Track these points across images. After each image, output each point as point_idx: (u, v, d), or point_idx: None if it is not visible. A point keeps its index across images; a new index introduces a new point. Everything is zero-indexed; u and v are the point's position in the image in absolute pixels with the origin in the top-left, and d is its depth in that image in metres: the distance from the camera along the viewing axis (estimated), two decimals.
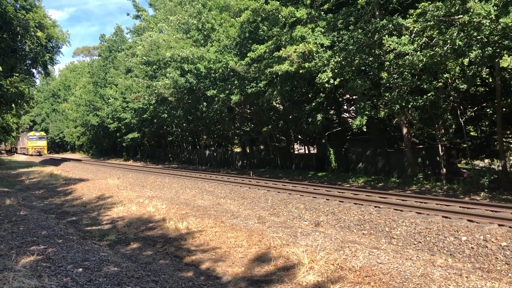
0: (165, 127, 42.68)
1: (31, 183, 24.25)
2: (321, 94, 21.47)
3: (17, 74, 31.78)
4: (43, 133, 77.84)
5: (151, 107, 36.97)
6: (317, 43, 17.00)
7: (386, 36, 14.19)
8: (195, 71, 25.78)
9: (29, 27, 28.62)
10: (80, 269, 6.72)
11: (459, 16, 12.48)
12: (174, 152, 47.58)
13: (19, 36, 28.70)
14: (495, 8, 11.37)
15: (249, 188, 16.45)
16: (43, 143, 75.08)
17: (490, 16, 11.26)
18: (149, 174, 25.20)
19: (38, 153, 71.99)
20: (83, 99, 60.26)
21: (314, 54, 16.74)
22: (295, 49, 16.95)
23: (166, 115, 36.10)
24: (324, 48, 17.11)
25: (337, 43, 16.96)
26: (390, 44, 13.73)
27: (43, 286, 5.65)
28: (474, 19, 11.49)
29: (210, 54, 24.39)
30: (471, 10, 11.51)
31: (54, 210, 14.79)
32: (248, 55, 20.87)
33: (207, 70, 24.95)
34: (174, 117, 35.93)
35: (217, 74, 24.96)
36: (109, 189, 18.98)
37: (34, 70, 36.84)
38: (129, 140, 47.93)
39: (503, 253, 7.44)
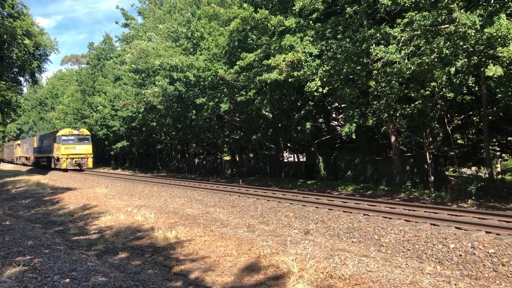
0: (154, 135, 42.54)
1: (17, 192, 23.92)
2: (310, 102, 21.58)
3: (3, 82, 31.42)
4: (85, 131, 43.50)
5: (140, 115, 36.85)
6: (306, 52, 17.13)
7: (373, 45, 14.35)
8: (184, 79, 25.75)
9: (16, 34, 28.41)
10: (67, 280, 6.63)
11: (445, 26, 12.68)
12: (163, 160, 47.34)
13: (6, 44, 28.46)
14: (480, 18, 11.57)
15: (239, 196, 16.41)
16: (87, 148, 42.15)
17: (475, 26, 11.45)
18: (137, 183, 25.02)
19: (78, 167, 41.38)
20: (71, 107, 59.81)
21: (303, 63, 16.85)
22: (284, 58, 17.05)
23: (155, 123, 36.00)
24: (312, 57, 17.23)
25: (325, 52, 17.10)
26: (378, 53, 13.89)
27: None
28: (460, 29, 11.68)
29: (199, 62, 24.40)
30: (457, 20, 11.70)
31: (41, 219, 14.59)
32: (237, 63, 20.93)
33: (196, 78, 24.95)
34: (163, 125, 35.86)
35: (206, 82, 24.97)
36: (97, 198, 18.80)
37: (21, 78, 36.59)
38: (117, 148, 47.65)
39: (490, 260, 7.50)
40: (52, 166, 43.40)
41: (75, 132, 41.51)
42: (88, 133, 42.63)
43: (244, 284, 7.21)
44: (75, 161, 40.58)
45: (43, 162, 48.61)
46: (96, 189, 22.50)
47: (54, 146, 42.15)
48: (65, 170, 40.43)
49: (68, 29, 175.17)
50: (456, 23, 11.76)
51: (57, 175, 37.58)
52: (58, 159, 41.44)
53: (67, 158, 40.25)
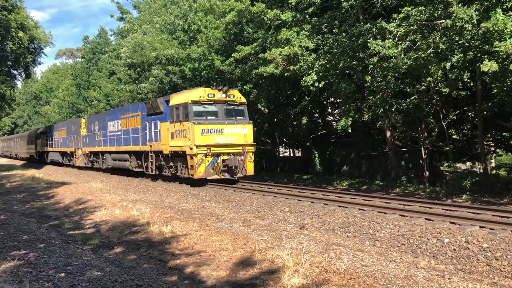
0: None
1: (12, 187, 23.83)
2: (306, 97, 21.58)
3: None
4: (237, 94, 18.77)
5: None
6: (302, 46, 17.11)
7: (371, 39, 14.33)
8: (180, 74, 25.68)
9: (10, 28, 28.20)
10: (63, 274, 6.62)
11: (442, 21, 12.69)
12: None
13: (0, 37, 28.24)
14: (477, 13, 11.59)
15: (234, 191, 16.41)
16: (244, 132, 18.03)
17: (472, 21, 11.47)
18: (133, 178, 24.98)
19: (227, 174, 17.48)
20: (65, 102, 59.53)
21: (299, 57, 16.83)
22: (280, 51, 17.02)
23: None
24: (309, 51, 17.21)
25: (321, 46, 17.09)
26: (375, 47, 13.87)
27: None
28: (457, 23, 11.67)
29: (197, 50, 24.35)
30: (454, 14, 11.70)
31: (36, 214, 14.55)
32: (232, 55, 20.89)
33: (192, 72, 24.89)
34: None
35: (202, 73, 24.90)
36: (92, 193, 18.75)
37: (15, 72, 36.33)
38: None
39: (484, 254, 7.56)
40: (150, 172, 21.11)
41: (220, 94, 17.84)
42: (242, 98, 18.99)
43: (239, 278, 7.23)
44: (222, 160, 17.45)
45: (117, 162, 25.78)
46: (91, 184, 22.44)
47: (162, 126, 19.34)
48: (202, 181, 17.90)
49: (63, 22, 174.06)
50: (453, 17, 11.76)
51: (52, 169, 37.45)
52: (180, 156, 18.24)
53: (206, 155, 16.92)
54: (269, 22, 18.66)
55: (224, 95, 17.89)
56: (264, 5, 18.88)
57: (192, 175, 17.23)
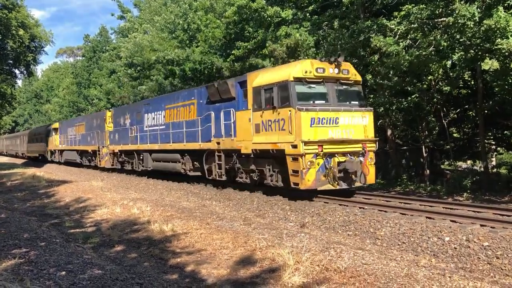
0: None
1: (12, 185, 23.85)
2: None
3: None
4: (352, 70, 13.25)
5: None
6: (303, 40, 17.08)
7: (374, 34, 14.27)
8: (181, 73, 25.70)
9: (10, 26, 28.18)
10: (63, 272, 6.63)
11: (443, 19, 12.67)
12: None
13: (1, 35, 28.24)
14: (479, 10, 11.57)
15: (235, 189, 16.41)
16: (363, 124, 12.79)
17: (474, 18, 11.44)
18: (133, 176, 24.99)
19: (344, 183, 12.29)
20: (66, 100, 59.54)
21: (300, 48, 16.71)
22: (281, 43, 16.97)
23: None
24: (308, 44, 17.14)
25: (322, 42, 17.05)
26: (377, 43, 13.79)
27: None
28: (459, 21, 11.64)
29: (195, 56, 24.35)
30: (457, 11, 11.67)
31: (37, 212, 14.56)
32: (233, 52, 20.91)
33: (193, 71, 24.90)
34: None
35: (203, 76, 24.92)
36: (93, 191, 18.76)
37: (16, 70, 36.34)
38: None
39: (485, 253, 7.55)
40: (215, 177, 16.35)
41: (332, 70, 12.68)
42: (357, 74, 13.57)
43: (240, 276, 7.23)
44: (338, 162, 12.25)
45: (161, 163, 20.65)
46: (92, 182, 22.45)
47: (238, 116, 14.59)
48: (309, 192, 13.09)
49: (63, 21, 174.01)
50: (455, 14, 11.73)
51: (53, 167, 37.48)
52: (270, 158, 13.39)
53: (317, 155, 11.93)
54: (269, 19, 18.65)
55: (336, 71, 12.65)
56: (265, 1, 18.87)
57: (295, 184, 12.11)
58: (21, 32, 29.46)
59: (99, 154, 28.34)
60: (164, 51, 26.29)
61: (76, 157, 33.72)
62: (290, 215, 11.85)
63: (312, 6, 17.28)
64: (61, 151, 37.85)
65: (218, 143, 15.58)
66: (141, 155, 22.56)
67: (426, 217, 9.80)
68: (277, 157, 12.85)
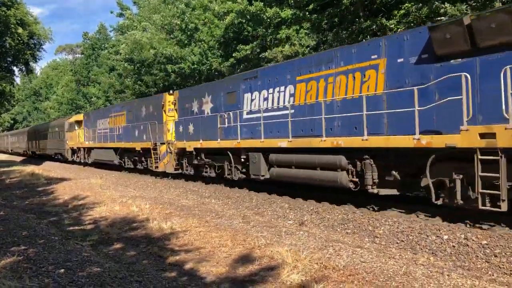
0: None
1: (11, 183, 23.84)
2: None
3: None
4: None
5: None
6: (303, 44, 17.10)
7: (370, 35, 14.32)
8: (180, 71, 25.68)
9: (9, 23, 28.12)
10: (62, 270, 6.63)
11: (441, 18, 12.67)
12: None
13: None
14: (469, 8, 11.57)
15: (234, 187, 16.43)
16: None
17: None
18: (132, 174, 24.98)
19: None
20: (65, 98, 59.48)
21: (300, 56, 16.81)
22: (281, 50, 17.01)
23: None
24: (309, 49, 17.20)
25: (321, 44, 17.08)
26: None
27: None
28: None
29: (193, 57, 24.34)
30: (447, 12, 11.69)
31: (35, 210, 14.56)
32: (233, 55, 20.87)
33: (191, 70, 24.88)
34: None
35: (202, 76, 24.93)
36: (91, 189, 18.76)
37: (15, 68, 36.27)
38: None
39: (483, 251, 7.57)
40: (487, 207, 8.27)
41: None
42: None
43: (238, 274, 7.24)
44: None
45: (313, 173, 12.15)
46: (91, 180, 22.44)
47: None
48: None
49: (62, 18, 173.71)
50: (447, 15, 11.75)
51: (51, 165, 37.42)
52: None
53: None
54: (268, 20, 18.66)
55: None
56: (263, 3, 18.86)
57: None
58: (20, 30, 29.41)
59: (154, 153, 21.07)
60: (163, 48, 26.29)
61: (113, 157, 26.75)
62: (289, 213, 11.86)
63: (312, 5, 17.27)
64: (88, 150, 31.36)
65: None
66: (244, 156, 15.24)
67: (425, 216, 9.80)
68: None
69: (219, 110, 16.42)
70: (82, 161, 32.47)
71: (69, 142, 34.49)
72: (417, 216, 9.89)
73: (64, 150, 35.88)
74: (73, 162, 35.17)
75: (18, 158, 55.04)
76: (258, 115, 14.04)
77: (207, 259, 8.13)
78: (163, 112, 20.65)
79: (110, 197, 15.98)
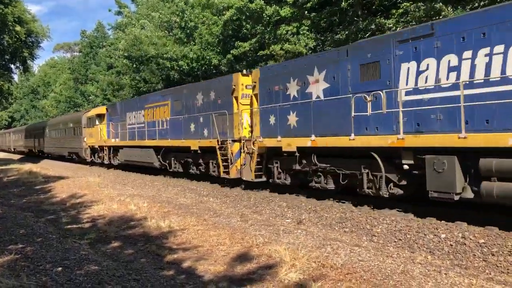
0: None
1: (9, 181, 23.79)
2: None
3: None
4: None
5: None
6: (302, 44, 17.09)
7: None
8: (178, 68, 25.65)
9: (7, 21, 28.02)
10: (60, 268, 6.62)
11: (440, 17, 12.68)
12: None
13: None
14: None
15: (232, 186, 16.42)
16: None
17: None
18: (130, 172, 24.96)
19: None
20: (63, 96, 59.37)
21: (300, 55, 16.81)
22: (281, 47, 16.96)
23: None
24: (308, 49, 17.18)
25: (320, 44, 17.08)
26: None
27: (22, 286, 5.56)
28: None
29: (192, 54, 24.33)
30: (444, 13, 11.70)
31: (33, 208, 14.53)
32: (231, 51, 20.85)
33: (190, 67, 24.86)
34: None
35: (200, 72, 24.90)
36: (89, 187, 18.73)
37: (12, 66, 36.17)
38: None
39: (480, 250, 7.58)
40: None
41: None
42: None
43: (236, 273, 7.24)
44: None
45: None
46: (89, 178, 22.41)
47: None
48: None
49: (60, 16, 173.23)
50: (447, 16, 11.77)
51: (49, 163, 37.35)
52: None
53: None
54: (268, 18, 18.65)
55: None
56: (263, 1, 18.85)
57: None
58: (17, 28, 29.32)
59: (222, 154, 15.88)
60: (163, 47, 26.26)
61: (152, 159, 21.19)
62: (287, 211, 11.87)
63: (310, 3, 17.25)
64: (115, 149, 26.14)
65: None
66: (408, 160, 9.78)
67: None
68: None
69: (345, 91, 11.14)
70: (106, 162, 27.35)
71: (88, 140, 29.32)
72: (415, 215, 9.91)
73: (80, 149, 30.92)
74: (92, 164, 30.48)
75: (16, 156, 54.91)
76: (447, 93, 8.83)
77: (205, 258, 8.13)
78: (234, 99, 15.63)
79: (108, 196, 15.96)
